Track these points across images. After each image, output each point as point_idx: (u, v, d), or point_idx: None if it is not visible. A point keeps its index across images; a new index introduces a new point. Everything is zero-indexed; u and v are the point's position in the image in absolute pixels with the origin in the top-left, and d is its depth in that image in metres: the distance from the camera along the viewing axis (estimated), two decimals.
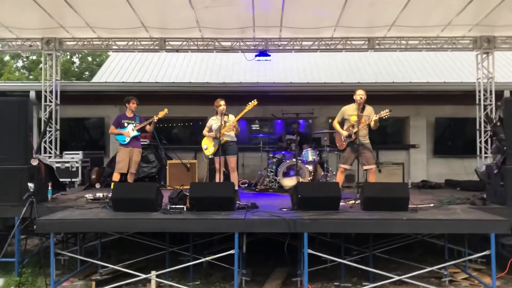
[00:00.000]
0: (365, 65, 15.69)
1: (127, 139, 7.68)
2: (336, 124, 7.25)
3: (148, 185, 6.12)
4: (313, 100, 11.30)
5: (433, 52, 13.01)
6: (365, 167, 6.97)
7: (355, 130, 6.86)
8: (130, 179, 7.72)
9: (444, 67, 15.55)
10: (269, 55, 10.62)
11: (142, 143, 9.29)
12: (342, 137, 7.08)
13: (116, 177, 7.68)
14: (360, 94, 6.96)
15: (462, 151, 11.54)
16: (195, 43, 10.47)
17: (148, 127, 7.75)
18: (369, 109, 7.04)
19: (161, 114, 7.66)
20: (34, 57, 26.78)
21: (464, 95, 11.06)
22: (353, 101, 7.02)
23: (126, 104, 7.83)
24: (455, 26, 9.67)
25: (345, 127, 7.11)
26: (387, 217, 5.17)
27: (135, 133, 7.71)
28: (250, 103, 7.25)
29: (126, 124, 7.69)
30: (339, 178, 7.13)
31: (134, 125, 7.70)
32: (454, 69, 15.39)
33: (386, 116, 6.88)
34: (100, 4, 8.70)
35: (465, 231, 5.41)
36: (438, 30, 9.97)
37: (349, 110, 7.08)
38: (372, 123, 6.87)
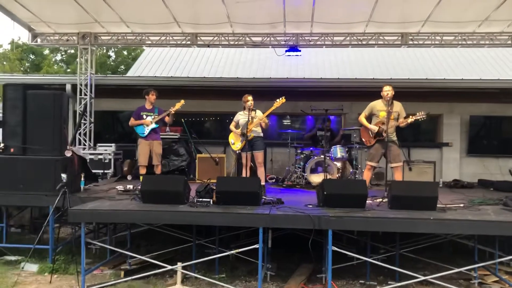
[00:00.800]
0: (398, 60, 15.44)
1: (146, 131, 7.69)
2: (363, 119, 7.10)
3: (176, 178, 6.21)
4: (343, 96, 11.18)
5: (469, 48, 12.64)
6: (392, 165, 6.84)
7: (385, 127, 6.75)
8: (157, 171, 7.79)
9: (481, 63, 15.13)
10: (300, 50, 10.56)
11: (172, 136, 9.51)
12: (370, 133, 6.97)
13: (142, 170, 7.75)
14: (387, 90, 6.84)
15: (498, 150, 11.21)
16: (226, 38, 10.54)
17: (167, 119, 7.77)
18: (398, 105, 6.90)
19: (177, 106, 7.68)
20: (72, 51, 27.52)
21: (501, 93, 10.73)
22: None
23: (146, 96, 7.86)
24: (493, 21, 9.38)
25: (373, 122, 6.99)
26: (413, 216, 5.09)
27: (153, 125, 7.76)
28: (278, 100, 7.25)
29: (145, 116, 7.74)
30: (366, 176, 7.04)
31: (153, 117, 7.78)
32: (491, 65, 14.95)
33: (423, 119, 6.74)
34: (134, 0, 8.85)
35: (495, 233, 5.27)
36: (474, 25, 9.70)
37: (378, 106, 6.96)
38: (403, 124, 6.76)
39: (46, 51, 29.21)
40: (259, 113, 7.26)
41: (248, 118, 7.07)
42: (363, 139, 7.17)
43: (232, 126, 7.54)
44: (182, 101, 7.77)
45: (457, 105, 11.52)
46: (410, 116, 6.74)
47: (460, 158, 11.50)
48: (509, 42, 10.17)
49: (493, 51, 15.50)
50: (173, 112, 7.69)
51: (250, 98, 7.19)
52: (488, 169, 10.92)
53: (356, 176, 8.78)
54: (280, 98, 7.23)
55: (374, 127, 6.91)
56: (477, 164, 11.31)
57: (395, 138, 6.91)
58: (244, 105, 7.25)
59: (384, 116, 6.79)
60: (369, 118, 7.09)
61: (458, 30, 9.96)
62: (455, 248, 6.79)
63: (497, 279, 5.76)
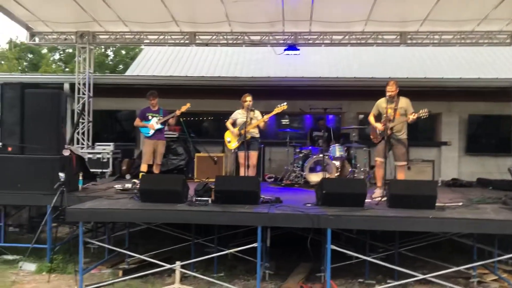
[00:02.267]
0: (397, 59, 15.43)
1: (151, 132, 7.89)
2: (371, 118, 7.01)
3: (174, 177, 6.20)
4: (342, 95, 11.17)
5: (468, 47, 12.65)
6: (396, 163, 6.84)
7: (391, 125, 6.69)
8: (156, 170, 7.94)
9: (480, 62, 15.13)
10: (298, 49, 10.56)
11: (171, 135, 9.51)
12: (377, 131, 6.96)
13: (143, 168, 7.93)
14: (388, 87, 6.76)
15: (496, 149, 11.24)
16: (225, 37, 10.53)
17: (171, 121, 7.93)
18: (404, 101, 6.79)
19: (183, 108, 7.83)
20: (70, 50, 27.47)
21: (499, 92, 10.73)
22: (384, 95, 6.89)
23: (147, 99, 8.04)
24: (492, 20, 9.39)
25: (382, 120, 6.97)
26: (412, 215, 5.08)
27: (159, 126, 7.93)
28: (279, 106, 7.27)
29: (150, 117, 7.90)
30: (378, 173, 6.91)
31: (158, 118, 7.90)
32: (490, 64, 14.95)
33: (425, 116, 6.69)
34: None
35: (494, 232, 5.25)
36: (473, 24, 9.70)
37: (383, 103, 6.88)
38: (409, 121, 6.71)
39: (44, 50, 29.11)
40: (257, 113, 7.27)
41: (247, 119, 7.06)
42: (372, 137, 7.09)
43: (228, 124, 7.53)
44: (188, 104, 7.89)
45: (455, 104, 11.53)
46: (413, 113, 6.70)
47: (459, 157, 11.52)
48: (508, 41, 10.18)
49: (491, 50, 15.48)
50: (178, 115, 7.76)
51: (249, 98, 7.19)
52: (487, 168, 10.93)
53: (355, 175, 8.77)
54: (282, 104, 7.25)
55: (378, 125, 6.85)
56: (476, 163, 11.33)
57: (402, 136, 6.82)
58: (243, 104, 7.24)
59: (390, 113, 6.72)
60: (379, 117, 7.02)
61: (456, 29, 9.97)
62: (454, 246, 6.79)
63: (496, 277, 5.76)
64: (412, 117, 6.57)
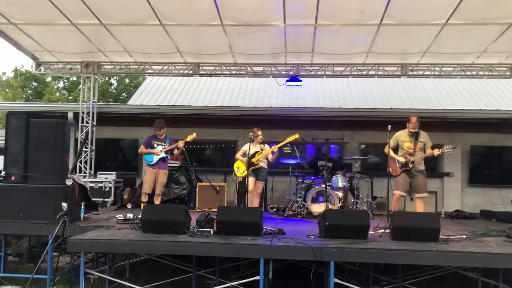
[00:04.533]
0: (399, 90, 15.56)
1: (155, 160, 7.79)
2: (390, 151, 7.04)
3: (176, 208, 6.18)
4: (344, 125, 11.23)
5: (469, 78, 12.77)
6: (416, 195, 6.96)
7: (412, 158, 6.83)
8: (156, 200, 7.81)
9: (481, 93, 15.24)
10: (300, 80, 10.68)
11: (173, 165, 9.50)
12: (397, 164, 7.00)
13: (144, 197, 7.77)
14: (411, 125, 6.94)
15: (499, 181, 11.19)
16: (228, 68, 10.67)
17: (175, 152, 7.89)
18: (424, 135, 6.97)
19: (189, 138, 7.81)
20: (74, 78, 27.81)
21: (501, 123, 10.79)
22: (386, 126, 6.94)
23: (155, 128, 8.00)
24: (491, 53, 9.51)
25: (399, 153, 7.05)
26: (416, 248, 5.03)
27: (163, 154, 7.83)
28: (291, 135, 7.54)
29: (155, 145, 7.84)
30: (395, 206, 7.01)
31: (164, 146, 7.84)
32: (491, 95, 15.06)
33: (450, 152, 6.82)
34: (138, 31, 9.00)
35: (499, 266, 5.18)
36: (473, 57, 9.82)
37: (403, 137, 7.03)
38: (430, 156, 6.83)
39: (49, 79, 29.49)
40: (266, 146, 7.49)
41: (258, 150, 7.42)
42: (390, 169, 7.10)
43: (238, 155, 7.69)
44: (194, 134, 7.90)
45: (457, 135, 11.54)
46: (437, 149, 6.78)
47: (462, 188, 11.46)
48: (508, 73, 10.30)
49: (492, 82, 15.63)
50: (183, 145, 7.74)
51: (260, 132, 7.51)
52: (490, 200, 10.87)
53: (358, 206, 8.74)
54: (294, 134, 7.54)
55: (401, 159, 6.95)
56: (479, 194, 11.26)
57: (422, 168, 6.96)
58: (253, 138, 7.45)
59: (409, 146, 6.88)
60: (396, 149, 7.11)
61: (457, 61, 10.09)
62: (458, 280, 6.68)
63: None
64: (437, 152, 6.68)
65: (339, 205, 8.45)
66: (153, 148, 7.86)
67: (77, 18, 8.50)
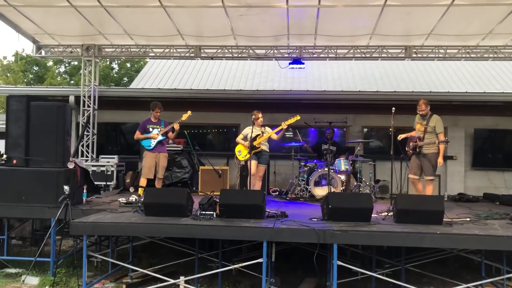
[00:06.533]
0: (402, 73, 15.45)
1: (153, 144, 7.68)
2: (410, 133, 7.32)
3: (179, 191, 6.17)
4: (347, 108, 11.14)
5: (473, 61, 12.64)
6: (425, 177, 7.08)
7: (420, 143, 6.97)
8: (158, 184, 7.74)
9: (485, 76, 15.12)
10: (303, 63, 10.57)
11: (175, 148, 9.47)
12: (410, 144, 7.21)
13: (142, 182, 7.65)
14: (418, 107, 7.15)
15: (503, 164, 11.13)
16: (230, 50, 10.56)
17: (170, 134, 7.81)
18: (434, 120, 7.06)
19: (184, 117, 7.69)
20: (76, 63, 27.69)
21: (506, 106, 10.69)
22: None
23: (151, 111, 7.86)
24: (497, 35, 9.37)
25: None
26: (419, 231, 5.02)
27: (160, 137, 7.75)
28: (292, 117, 7.59)
29: (151, 129, 7.73)
30: (416, 189, 7.21)
31: (159, 129, 7.76)
32: (495, 78, 14.93)
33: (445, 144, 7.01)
34: (138, 13, 8.90)
35: (503, 248, 5.17)
36: (478, 38, 9.69)
37: (417, 118, 7.26)
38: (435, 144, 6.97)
39: (50, 63, 29.37)
40: (268, 129, 7.46)
41: (259, 133, 7.38)
42: (407, 149, 7.36)
43: (239, 139, 7.65)
44: (189, 112, 7.76)
45: (461, 118, 11.46)
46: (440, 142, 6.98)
47: (465, 171, 11.41)
48: None
49: (497, 65, 15.49)
50: (178, 127, 7.65)
51: (260, 115, 7.46)
52: (493, 183, 10.83)
53: (360, 189, 8.72)
54: (295, 116, 7.59)
55: (401, 136, 7.18)
56: (482, 177, 11.22)
57: (430, 151, 7.02)
58: (254, 121, 7.40)
59: (419, 128, 7.06)
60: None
61: (461, 44, 9.96)
62: (461, 262, 6.69)
63: None
64: (440, 145, 6.90)
65: (341, 189, 8.42)
66: (149, 132, 7.74)
67: None
